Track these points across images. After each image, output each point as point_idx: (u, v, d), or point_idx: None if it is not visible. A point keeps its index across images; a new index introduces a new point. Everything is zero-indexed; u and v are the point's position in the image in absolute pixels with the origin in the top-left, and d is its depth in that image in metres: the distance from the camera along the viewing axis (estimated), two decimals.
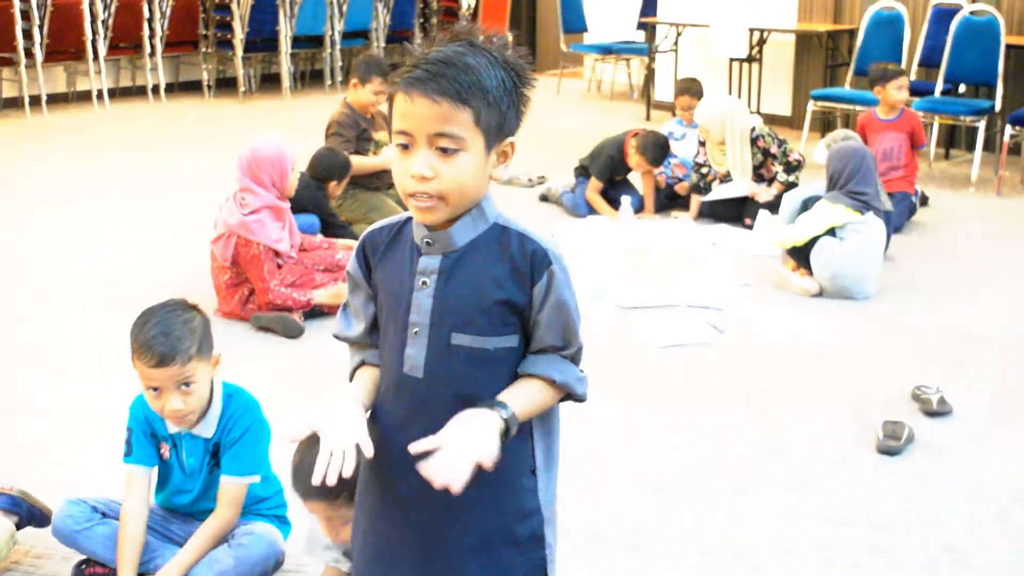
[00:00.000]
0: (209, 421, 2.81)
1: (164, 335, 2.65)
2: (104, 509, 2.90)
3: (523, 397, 1.82)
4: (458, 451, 1.70)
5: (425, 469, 1.70)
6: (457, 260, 1.81)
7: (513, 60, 1.79)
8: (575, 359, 1.88)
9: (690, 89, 7.30)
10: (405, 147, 1.75)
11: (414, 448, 1.72)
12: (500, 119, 1.76)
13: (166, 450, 2.86)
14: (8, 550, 2.95)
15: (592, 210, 6.72)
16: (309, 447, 2.37)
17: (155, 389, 2.69)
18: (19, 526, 3.02)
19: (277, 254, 4.79)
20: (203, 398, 2.76)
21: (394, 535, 1.91)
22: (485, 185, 1.81)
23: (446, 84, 1.71)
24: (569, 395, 1.88)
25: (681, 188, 6.93)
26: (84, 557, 2.91)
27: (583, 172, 6.88)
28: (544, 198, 7.19)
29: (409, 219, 1.88)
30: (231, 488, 2.82)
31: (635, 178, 6.90)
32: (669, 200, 6.96)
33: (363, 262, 1.93)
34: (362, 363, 1.96)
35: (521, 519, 1.89)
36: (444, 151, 1.73)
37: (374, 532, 1.95)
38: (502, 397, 1.80)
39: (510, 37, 1.83)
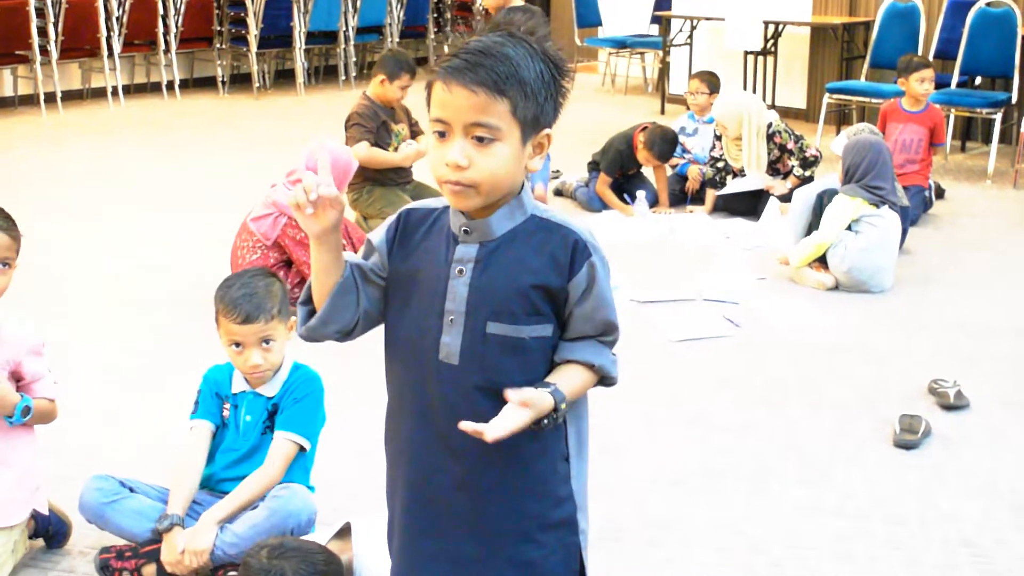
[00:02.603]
0: (275, 382, 2.98)
1: (249, 296, 2.88)
2: (131, 485, 2.96)
3: (569, 382, 1.84)
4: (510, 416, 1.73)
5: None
6: (495, 249, 1.82)
7: (552, 52, 1.79)
8: (611, 345, 1.91)
9: (708, 81, 7.19)
10: (442, 135, 1.76)
11: (465, 427, 1.73)
12: (537, 111, 1.76)
13: (226, 410, 3.00)
14: (21, 552, 2.96)
15: (606, 204, 6.72)
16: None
17: (237, 345, 2.91)
18: (36, 533, 3.01)
19: None
20: (280, 357, 2.96)
21: (429, 525, 1.92)
22: (520, 176, 1.81)
23: (484, 74, 1.71)
24: (603, 379, 1.90)
25: (693, 182, 6.91)
26: (104, 547, 2.91)
27: (595, 167, 6.88)
28: (559, 192, 7.19)
29: (446, 208, 1.88)
30: (282, 445, 2.93)
31: (650, 172, 6.89)
32: (684, 194, 6.95)
33: (393, 236, 1.91)
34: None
35: (555, 506, 1.90)
36: (480, 140, 1.74)
37: (408, 525, 1.95)
38: (553, 380, 1.81)
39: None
